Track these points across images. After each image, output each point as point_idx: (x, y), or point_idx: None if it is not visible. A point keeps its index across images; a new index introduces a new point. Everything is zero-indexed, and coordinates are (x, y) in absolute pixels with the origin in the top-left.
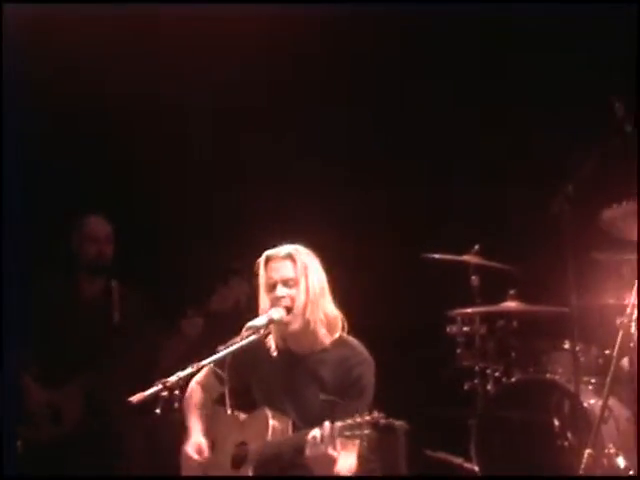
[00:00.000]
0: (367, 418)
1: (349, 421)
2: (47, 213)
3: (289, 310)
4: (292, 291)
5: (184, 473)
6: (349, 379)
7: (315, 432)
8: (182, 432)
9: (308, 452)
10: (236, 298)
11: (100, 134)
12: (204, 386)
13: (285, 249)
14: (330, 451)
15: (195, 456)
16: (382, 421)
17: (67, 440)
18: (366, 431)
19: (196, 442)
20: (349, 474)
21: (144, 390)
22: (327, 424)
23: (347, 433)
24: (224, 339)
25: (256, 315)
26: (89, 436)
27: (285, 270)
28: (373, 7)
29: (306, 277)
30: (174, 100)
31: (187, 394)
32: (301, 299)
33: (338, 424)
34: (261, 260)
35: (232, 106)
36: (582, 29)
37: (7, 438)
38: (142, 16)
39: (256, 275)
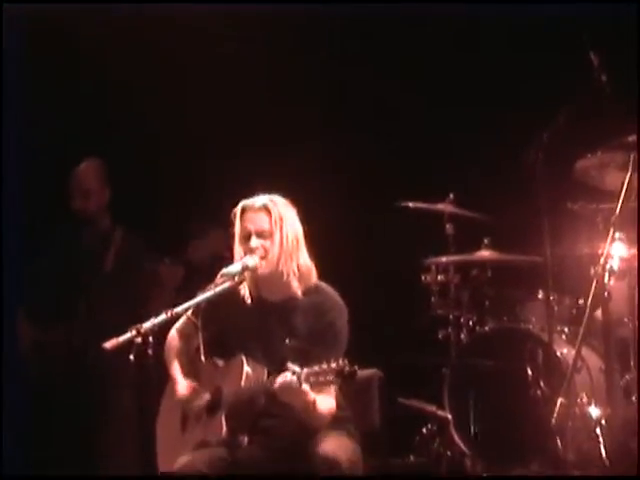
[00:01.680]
0: (333, 365)
1: (315, 368)
2: (45, 161)
3: (263, 259)
4: (266, 242)
5: (164, 418)
6: (321, 325)
7: (282, 377)
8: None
9: (283, 398)
10: (214, 248)
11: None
12: (183, 333)
13: (261, 200)
14: (306, 389)
15: (190, 397)
16: (347, 369)
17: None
18: (330, 378)
19: (187, 384)
20: (329, 413)
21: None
22: (293, 368)
23: (312, 379)
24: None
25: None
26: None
27: (260, 221)
28: None
29: (281, 229)
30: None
31: (167, 341)
32: (275, 250)
33: (304, 371)
34: (237, 210)
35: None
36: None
37: (7, 438)
38: (142, 15)
39: (232, 225)
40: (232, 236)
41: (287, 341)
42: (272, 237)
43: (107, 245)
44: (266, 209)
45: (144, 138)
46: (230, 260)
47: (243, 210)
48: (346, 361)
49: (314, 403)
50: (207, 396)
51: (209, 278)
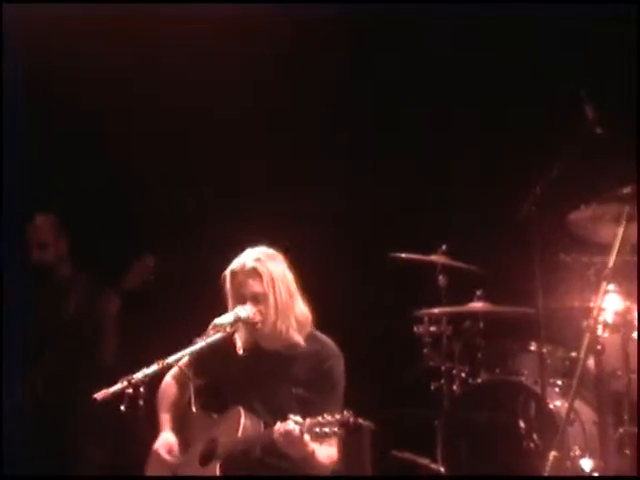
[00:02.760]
0: (337, 417)
1: (319, 418)
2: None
3: (260, 321)
4: (261, 306)
5: (152, 470)
6: (320, 372)
7: (283, 426)
8: (149, 429)
9: (283, 447)
10: (144, 275)
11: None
12: (178, 381)
13: (249, 262)
14: (306, 440)
15: (165, 456)
16: (352, 420)
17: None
18: (335, 429)
19: (166, 440)
20: (330, 464)
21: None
22: (295, 419)
23: (316, 430)
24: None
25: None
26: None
27: (252, 286)
28: None
29: (274, 290)
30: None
31: (161, 389)
32: (271, 312)
33: (307, 421)
34: (226, 274)
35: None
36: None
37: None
38: (141, 16)
39: (222, 287)
40: (225, 299)
41: (293, 390)
42: (266, 299)
43: (67, 294)
44: (256, 271)
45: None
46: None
47: (232, 274)
48: (350, 412)
49: (313, 453)
50: (184, 452)
51: (143, 304)
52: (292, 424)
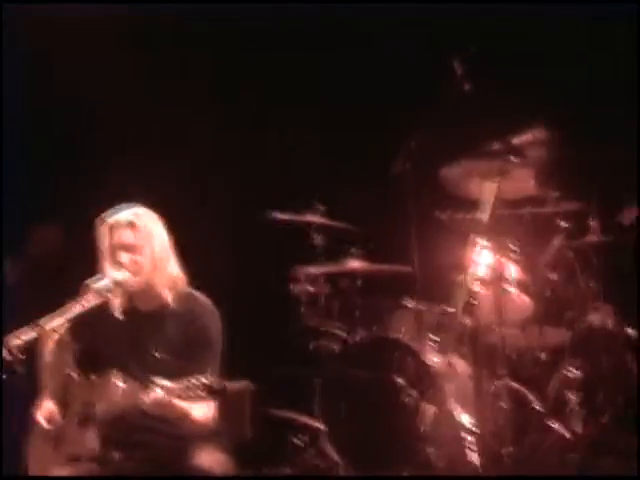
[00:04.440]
0: (203, 380)
1: (185, 382)
2: None
3: (133, 276)
4: (136, 256)
5: (36, 437)
6: (194, 330)
7: (154, 393)
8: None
9: (155, 412)
10: (49, 244)
11: None
12: (57, 346)
13: (126, 216)
14: (177, 404)
15: (45, 425)
16: (215, 385)
17: None
18: (200, 393)
19: (47, 409)
20: (207, 421)
21: None
22: (162, 383)
23: (182, 394)
24: (44, 284)
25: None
26: None
27: (127, 237)
28: None
29: (150, 243)
30: None
31: (42, 353)
32: (146, 265)
33: (173, 385)
34: (102, 227)
35: None
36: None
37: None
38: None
39: (96, 240)
40: (98, 252)
41: (157, 354)
42: (141, 251)
43: None
44: (132, 225)
45: None
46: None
47: (109, 227)
48: (216, 376)
49: (187, 413)
50: (65, 419)
51: (48, 273)
52: (159, 390)
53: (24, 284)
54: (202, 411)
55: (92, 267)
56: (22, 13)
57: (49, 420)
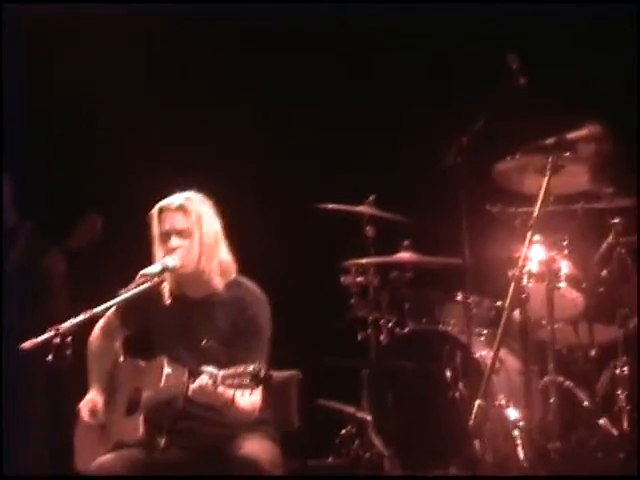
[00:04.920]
0: (249, 369)
1: (231, 370)
2: None
3: (184, 260)
4: (186, 241)
5: (82, 423)
6: (244, 319)
7: (200, 380)
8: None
9: (199, 400)
10: (91, 235)
11: None
12: (105, 332)
13: (177, 200)
14: (221, 390)
15: (88, 417)
16: (262, 373)
17: None
18: (246, 381)
19: (90, 401)
20: (253, 410)
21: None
22: (209, 371)
23: (228, 382)
24: (86, 275)
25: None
26: None
27: (178, 221)
28: None
29: (200, 228)
30: None
31: (89, 341)
32: (195, 250)
33: (220, 373)
34: (154, 212)
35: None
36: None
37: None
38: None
39: (149, 226)
40: (151, 238)
41: (205, 341)
42: (191, 236)
43: (11, 243)
44: (183, 208)
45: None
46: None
47: (160, 211)
48: (262, 365)
49: (233, 401)
50: (103, 417)
51: (88, 263)
52: (205, 378)
53: (73, 272)
54: (249, 400)
55: (143, 257)
56: (22, 13)
57: (92, 413)
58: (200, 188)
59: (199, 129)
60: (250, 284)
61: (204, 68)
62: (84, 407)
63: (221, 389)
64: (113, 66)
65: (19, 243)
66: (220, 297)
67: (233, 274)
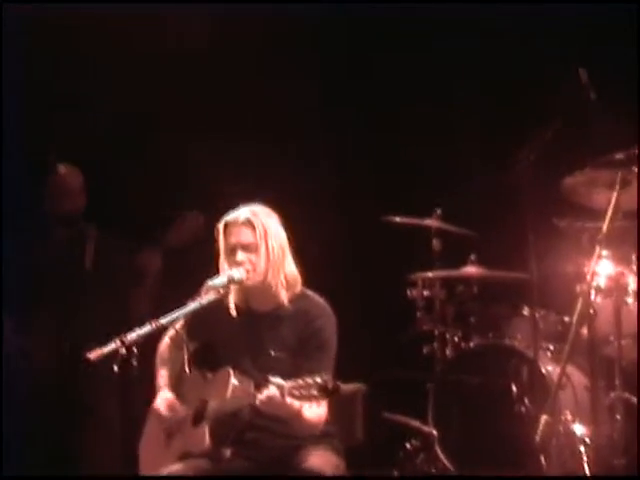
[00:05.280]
0: (317, 380)
1: (299, 382)
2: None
3: (250, 274)
4: (252, 256)
5: (148, 430)
6: (310, 332)
7: (267, 391)
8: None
9: (266, 411)
10: (193, 232)
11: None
12: (174, 342)
13: (243, 214)
14: (289, 401)
15: (166, 412)
16: (330, 385)
17: (35, 389)
18: (314, 392)
19: (166, 398)
20: (319, 423)
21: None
22: (276, 382)
23: (295, 393)
24: (184, 274)
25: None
26: (58, 387)
27: (244, 236)
28: None
29: (266, 242)
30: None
31: (159, 350)
32: (262, 263)
33: (287, 384)
34: (220, 226)
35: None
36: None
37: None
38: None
39: (215, 240)
40: (217, 252)
41: (272, 352)
42: (258, 250)
43: (83, 244)
44: (250, 223)
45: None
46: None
47: (226, 225)
48: (330, 377)
49: (299, 413)
50: (183, 410)
51: (188, 261)
52: (273, 389)
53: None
54: (315, 412)
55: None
56: (22, 13)
57: (170, 408)
58: (266, 201)
59: (267, 140)
60: (316, 297)
61: (275, 73)
62: (160, 404)
63: (288, 400)
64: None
65: (90, 245)
66: (286, 310)
67: (299, 287)
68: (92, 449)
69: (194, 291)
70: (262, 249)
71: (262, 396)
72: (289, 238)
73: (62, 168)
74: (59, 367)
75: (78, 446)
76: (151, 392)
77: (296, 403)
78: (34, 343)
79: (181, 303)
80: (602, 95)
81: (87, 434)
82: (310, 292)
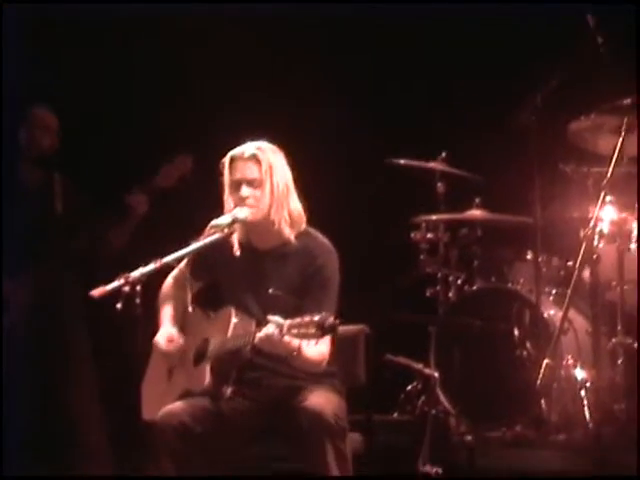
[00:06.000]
0: (315, 318)
1: (297, 320)
2: None
3: (254, 210)
4: (257, 191)
5: (151, 369)
6: (312, 269)
7: (266, 330)
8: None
9: (265, 349)
10: (181, 174)
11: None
12: (177, 282)
13: (249, 149)
14: (287, 340)
15: (165, 345)
16: (328, 322)
17: (12, 332)
18: (312, 330)
19: (167, 332)
20: (321, 361)
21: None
22: (275, 320)
23: (294, 331)
24: (172, 217)
25: (200, 199)
26: (34, 330)
27: (250, 171)
28: None
29: (271, 177)
30: None
31: (162, 288)
32: (266, 199)
33: (286, 322)
34: (225, 160)
35: None
36: None
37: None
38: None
39: (220, 175)
40: (221, 187)
41: (271, 290)
42: (262, 186)
43: (51, 188)
44: (255, 158)
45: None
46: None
47: (232, 160)
48: (329, 315)
49: (299, 350)
50: (191, 344)
51: (177, 202)
52: (271, 327)
53: (152, 217)
54: (316, 350)
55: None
56: (22, 13)
57: (170, 341)
58: (272, 138)
59: (276, 80)
60: (319, 235)
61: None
62: (160, 337)
63: (287, 339)
64: None
65: (57, 189)
66: (289, 247)
67: (303, 225)
68: (92, 389)
69: (181, 234)
70: (267, 184)
71: (261, 334)
72: (294, 178)
73: (39, 108)
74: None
75: (77, 386)
76: (154, 331)
77: (295, 341)
78: (11, 287)
79: (173, 245)
80: (609, 41)
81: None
82: (314, 230)
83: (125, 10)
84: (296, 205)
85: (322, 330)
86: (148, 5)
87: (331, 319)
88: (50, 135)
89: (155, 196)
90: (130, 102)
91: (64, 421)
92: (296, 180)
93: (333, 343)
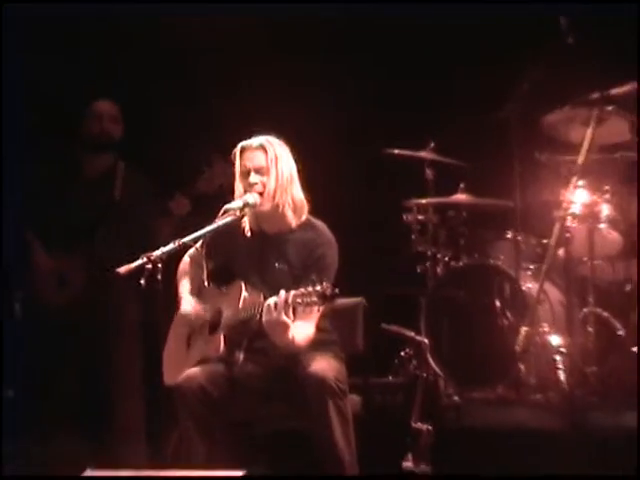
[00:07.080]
0: (317, 288)
1: (301, 290)
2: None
3: (261, 194)
4: (264, 178)
5: (172, 336)
6: (312, 258)
7: (271, 300)
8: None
9: (264, 318)
10: (220, 181)
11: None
12: (193, 260)
13: (258, 140)
14: (283, 318)
15: (194, 309)
16: (329, 291)
17: (70, 307)
18: (314, 299)
19: (190, 300)
20: (305, 341)
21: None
22: (282, 293)
23: (298, 300)
24: (210, 220)
25: (234, 198)
26: (91, 304)
27: (258, 159)
28: None
29: (276, 165)
30: None
31: (180, 265)
32: (271, 185)
33: (291, 292)
34: (236, 150)
35: None
36: None
37: (7, 437)
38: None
39: (232, 164)
40: (233, 174)
41: (277, 265)
42: (269, 173)
43: (113, 176)
44: (263, 148)
45: (150, 76)
46: (231, 196)
47: (242, 150)
48: (329, 284)
49: (287, 327)
50: (208, 315)
51: (214, 207)
52: (272, 300)
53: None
54: (304, 330)
55: None
56: (22, 13)
57: (194, 309)
58: (278, 134)
59: (277, 79)
60: (321, 225)
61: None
62: (187, 305)
63: (284, 318)
64: None
65: (120, 178)
66: (292, 235)
67: (306, 212)
68: (120, 356)
69: None
70: (272, 172)
71: (269, 302)
72: (298, 170)
73: (103, 100)
74: (91, 287)
75: (107, 354)
76: (173, 305)
77: (287, 320)
78: (69, 264)
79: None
80: (579, 41)
81: (115, 341)
82: (315, 220)
83: (140, 9)
84: (299, 194)
85: (324, 298)
86: (148, 5)
87: (331, 289)
88: (107, 123)
89: (196, 200)
90: (138, 104)
91: (112, 395)
92: (300, 173)
93: (333, 310)
